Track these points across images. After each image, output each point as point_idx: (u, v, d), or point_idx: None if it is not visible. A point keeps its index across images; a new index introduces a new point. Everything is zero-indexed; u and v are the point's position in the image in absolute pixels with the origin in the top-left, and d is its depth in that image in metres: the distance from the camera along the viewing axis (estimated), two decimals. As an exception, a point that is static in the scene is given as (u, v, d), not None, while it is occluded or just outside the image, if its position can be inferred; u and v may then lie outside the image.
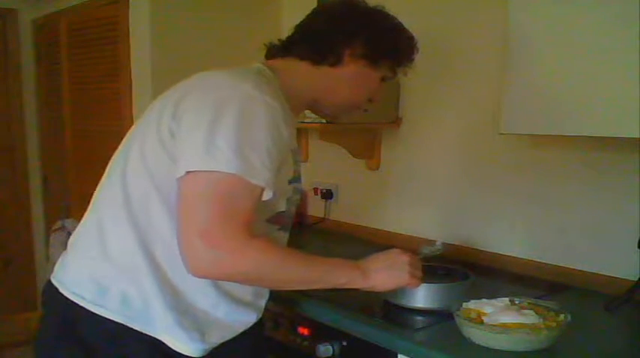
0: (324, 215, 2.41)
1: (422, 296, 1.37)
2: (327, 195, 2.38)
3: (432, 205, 2.06)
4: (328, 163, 2.37)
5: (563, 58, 1.36)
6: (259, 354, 1.37)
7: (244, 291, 1.19)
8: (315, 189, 2.41)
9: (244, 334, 1.22)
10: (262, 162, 1.02)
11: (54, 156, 3.16)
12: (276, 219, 1.19)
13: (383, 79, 1.32)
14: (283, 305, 1.53)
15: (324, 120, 1.93)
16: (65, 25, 2.83)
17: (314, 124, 1.97)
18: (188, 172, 1.01)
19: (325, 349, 1.40)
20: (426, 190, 2.08)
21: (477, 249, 1.90)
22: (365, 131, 2.17)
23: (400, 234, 2.14)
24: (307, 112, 1.96)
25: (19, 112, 3.28)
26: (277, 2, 2.53)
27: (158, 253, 1.10)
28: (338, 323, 1.40)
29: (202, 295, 1.13)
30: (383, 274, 1.20)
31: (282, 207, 1.19)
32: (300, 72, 1.24)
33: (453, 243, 1.96)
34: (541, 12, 1.40)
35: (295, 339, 1.52)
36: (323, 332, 1.43)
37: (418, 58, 1.33)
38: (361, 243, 2.18)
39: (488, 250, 1.86)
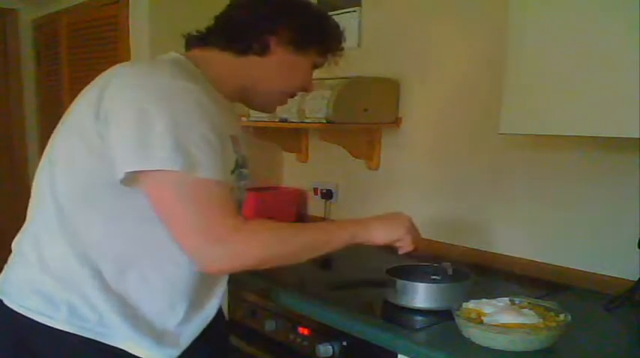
0: (324, 215, 2.41)
1: (422, 296, 1.38)
2: (327, 195, 2.38)
3: (432, 205, 2.05)
4: (328, 163, 2.37)
5: (564, 57, 1.36)
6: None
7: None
8: (315, 189, 2.41)
9: (208, 338, 1.19)
10: (204, 152, 1.00)
11: (54, 156, 3.15)
12: None
13: (315, 67, 1.28)
14: (283, 306, 1.53)
15: (324, 120, 1.93)
16: (65, 25, 2.83)
17: (314, 124, 1.97)
18: (141, 174, 0.98)
19: (325, 349, 1.40)
20: (425, 190, 2.08)
21: (476, 249, 1.90)
22: (365, 131, 2.16)
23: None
24: (307, 111, 1.98)
25: (19, 112, 3.28)
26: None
27: (97, 261, 1.05)
28: (338, 323, 1.39)
29: (149, 301, 1.09)
30: (381, 225, 1.28)
31: None
32: (223, 62, 1.20)
33: (452, 243, 1.96)
34: (541, 12, 1.40)
35: (295, 339, 1.52)
36: (323, 332, 1.43)
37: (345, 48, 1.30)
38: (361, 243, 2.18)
39: (488, 250, 1.86)
